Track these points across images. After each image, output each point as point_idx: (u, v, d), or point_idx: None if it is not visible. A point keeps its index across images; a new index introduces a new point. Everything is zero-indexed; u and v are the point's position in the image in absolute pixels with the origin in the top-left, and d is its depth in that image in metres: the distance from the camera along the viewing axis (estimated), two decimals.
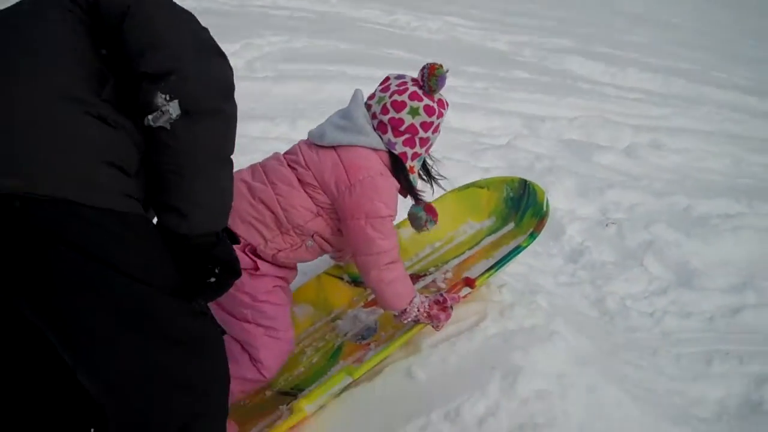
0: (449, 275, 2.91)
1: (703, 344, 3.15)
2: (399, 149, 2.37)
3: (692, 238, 3.97)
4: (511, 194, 3.07)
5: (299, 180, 2.36)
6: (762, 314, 3.38)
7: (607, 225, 4.02)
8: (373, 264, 2.36)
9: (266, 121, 5.04)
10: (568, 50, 9.34)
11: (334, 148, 2.36)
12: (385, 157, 2.38)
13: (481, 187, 3.17)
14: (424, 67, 2.37)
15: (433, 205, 2.74)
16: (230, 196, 1.61)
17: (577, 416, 2.24)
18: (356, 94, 2.44)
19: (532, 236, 2.73)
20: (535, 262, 3.60)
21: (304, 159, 2.38)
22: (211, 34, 1.57)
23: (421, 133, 2.37)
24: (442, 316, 2.44)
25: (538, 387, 2.30)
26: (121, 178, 1.45)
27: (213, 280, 1.59)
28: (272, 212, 2.35)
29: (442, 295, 2.48)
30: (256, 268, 2.35)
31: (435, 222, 2.73)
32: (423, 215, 2.70)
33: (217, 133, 1.54)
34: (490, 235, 3.01)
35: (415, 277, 2.91)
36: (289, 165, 2.40)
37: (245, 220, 2.34)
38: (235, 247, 1.64)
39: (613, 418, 2.29)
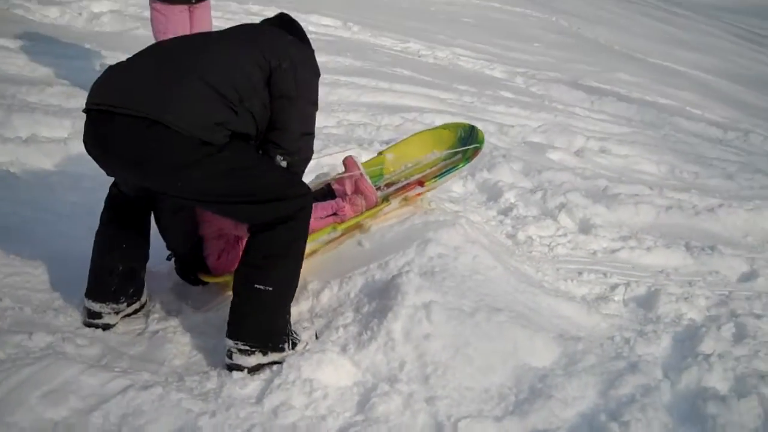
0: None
1: (581, 264, 4.33)
2: None
3: (599, 204, 5.16)
4: (463, 134, 4.54)
5: None
6: (634, 252, 4.54)
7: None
8: None
9: None
10: (556, 80, 10.33)
11: None
12: None
13: (444, 129, 4.71)
14: None
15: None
16: None
17: (462, 270, 3.50)
18: None
19: (467, 160, 4.19)
20: (474, 216, 4.75)
21: None
22: None
23: None
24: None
25: (440, 252, 3.58)
26: None
27: None
28: None
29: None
30: None
31: None
32: None
33: None
34: (444, 160, 4.42)
35: (392, 184, 4.28)
36: None
37: None
38: None
39: (487, 276, 3.54)
